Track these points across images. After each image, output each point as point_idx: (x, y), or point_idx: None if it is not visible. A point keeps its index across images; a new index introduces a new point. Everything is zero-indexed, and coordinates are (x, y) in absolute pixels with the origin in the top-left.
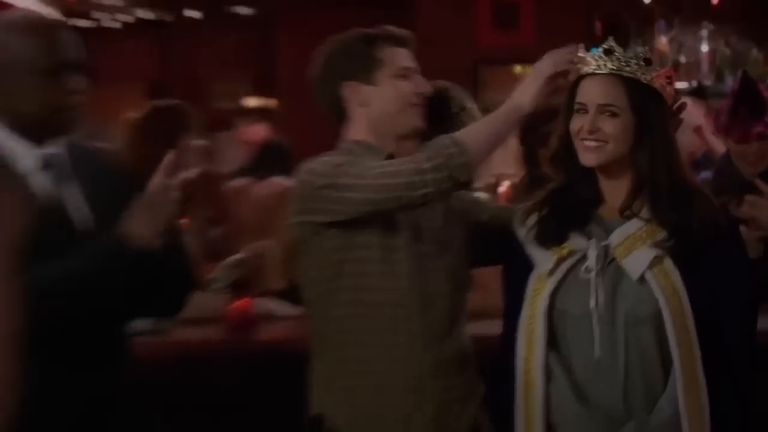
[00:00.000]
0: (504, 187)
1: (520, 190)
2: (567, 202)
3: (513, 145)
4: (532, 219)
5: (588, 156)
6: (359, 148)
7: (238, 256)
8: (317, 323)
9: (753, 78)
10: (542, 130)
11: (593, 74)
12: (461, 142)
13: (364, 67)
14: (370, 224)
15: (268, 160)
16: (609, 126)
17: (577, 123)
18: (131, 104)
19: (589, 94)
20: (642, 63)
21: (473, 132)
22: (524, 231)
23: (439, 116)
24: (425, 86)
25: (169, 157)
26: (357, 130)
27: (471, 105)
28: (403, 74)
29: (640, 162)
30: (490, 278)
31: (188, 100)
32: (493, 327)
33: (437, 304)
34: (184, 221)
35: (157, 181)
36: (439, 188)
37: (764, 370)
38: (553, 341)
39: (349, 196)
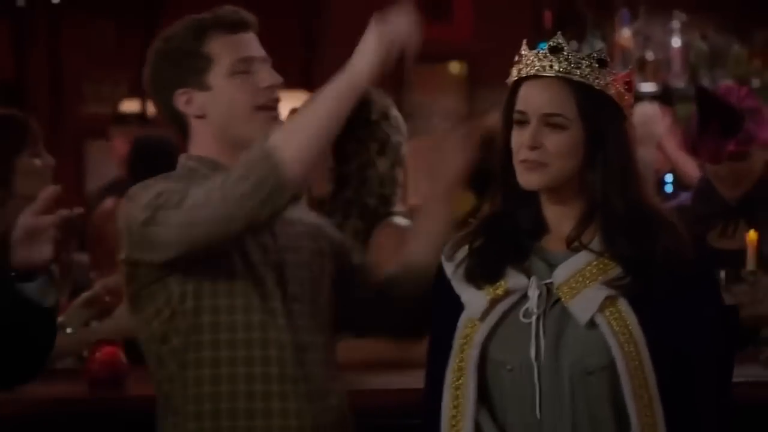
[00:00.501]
0: None
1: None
2: (504, 232)
3: None
4: (462, 252)
5: (528, 177)
6: (204, 168)
7: (88, 293)
8: (165, 388)
9: (711, 91)
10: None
11: (536, 77)
12: (274, 153)
13: (193, 70)
14: (224, 263)
15: (144, 166)
16: (553, 141)
17: (517, 137)
18: None
19: (531, 101)
20: (595, 65)
21: (294, 130)
22: (452, 267)
23: (355, 124)
24: (274, 78)
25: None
26: (200, 146)
27: (394, 113)
28: (242, 69)
29: (592, 184)
30: None
31: (53, 103)
32: (414, 379)
33: (312, 358)
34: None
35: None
36: (254, 219)
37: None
38: (485, 398)
39: (164, 236)
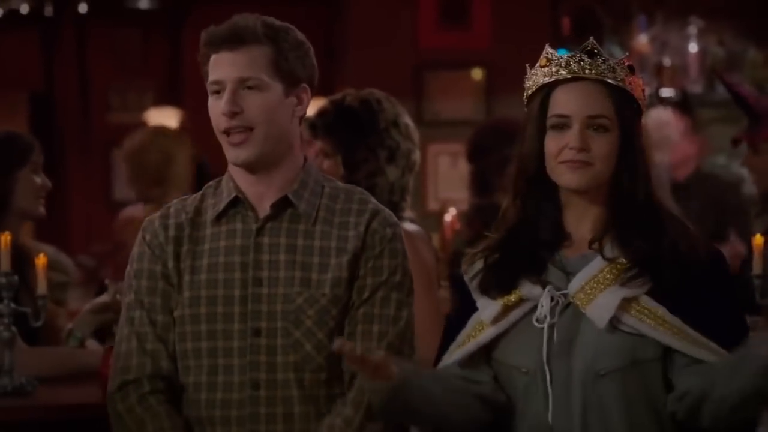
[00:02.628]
0: (450, 215)
1: (465, 222)
2: (522, 244)
3: (464, 164)
4: (478, 265)
5: (571, 176)
6: (210, 189)
7: (102, 298)
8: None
9: (729, 83)
10: (500, 153)
11: (571, 81)
12: None
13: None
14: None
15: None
16: (598, 143)
17: (557, 141)
18: (10, 119)
19: (573, 104)
20: (627, 70)
21: None
22: (469, 277)
23: (362, 131)
24: (226, 106)
25: None
26: None
27: (406, 121)
28: (214, 90)
29: (621, 186)
30: (423, 328)
31: (80, 112)
32: None
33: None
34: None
35: None
36: None
37: None
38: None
39: None
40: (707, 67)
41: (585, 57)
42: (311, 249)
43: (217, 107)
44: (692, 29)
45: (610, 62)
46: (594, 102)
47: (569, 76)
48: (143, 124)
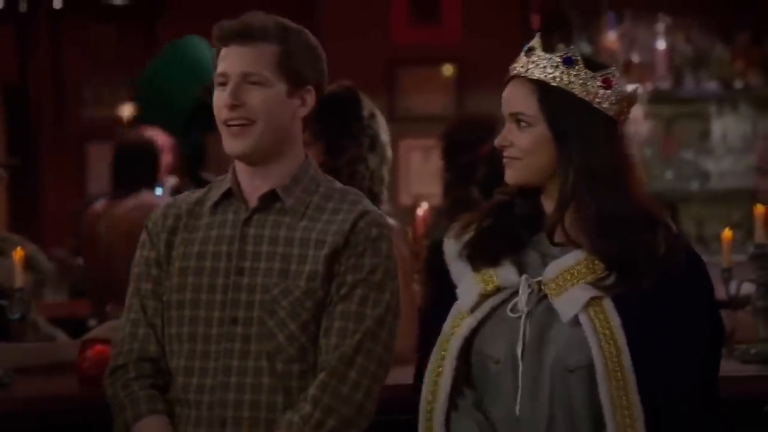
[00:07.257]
0: (423, 209)
1: (441, 215)
2: (507, 219)
3: (436, 159)
4: (468, 234)
5: (507, 173)
6: (217, 182)
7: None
8: None
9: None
10: (479, 148)
11: (514, 78)
12: None
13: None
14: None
15: (129, 169)
16: (519, 139)
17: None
18: None
19: (504, 101)
20: (561, 65)
21: None
22: (456, 247)
23: (347, 117)
24: (230, 98)
25: None
26: None
27: (379, 113)
28: (220, 82)
29: (561, 181)
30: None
31: (55, 106)
32: (399, 375)
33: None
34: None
35: None
36: None
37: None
38: (474, 389)
39: None
40: (675, 63)
41: (523, 56)
42: (292, 240)
43: (220, 99)
44: (660, 26)
45: (541, 58)
46: (513, 99)
47: (512, 75)
48: (117, 119)
